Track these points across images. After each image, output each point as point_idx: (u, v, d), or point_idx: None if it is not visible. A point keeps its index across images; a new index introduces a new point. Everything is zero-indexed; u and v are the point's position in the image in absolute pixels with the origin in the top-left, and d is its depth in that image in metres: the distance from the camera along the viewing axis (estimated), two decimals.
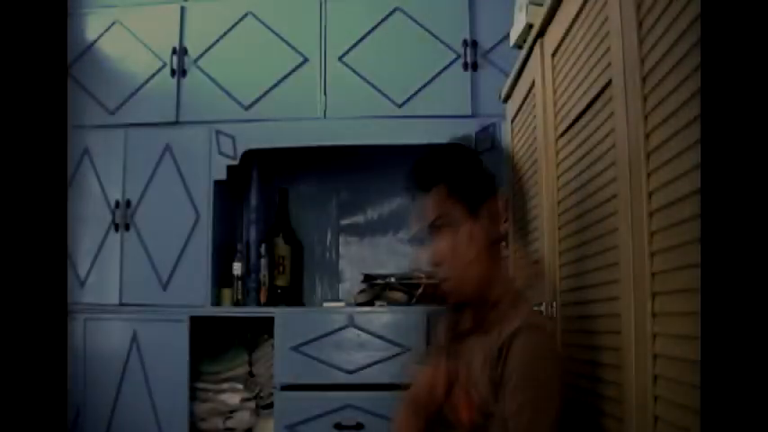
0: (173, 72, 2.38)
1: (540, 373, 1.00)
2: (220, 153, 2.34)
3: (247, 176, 2.47)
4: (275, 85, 2.36)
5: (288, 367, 2.22)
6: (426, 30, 2.33)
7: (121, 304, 2.33)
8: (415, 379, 1.27)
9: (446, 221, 1.18)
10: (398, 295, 2.37)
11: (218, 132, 2.35)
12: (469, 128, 2.28)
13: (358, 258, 2.66)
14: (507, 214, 1.23)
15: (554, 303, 1.19)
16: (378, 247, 2.66)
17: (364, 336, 2.21)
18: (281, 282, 2.50)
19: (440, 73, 2.31)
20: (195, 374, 2.31)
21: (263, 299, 2.41)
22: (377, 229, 2.68)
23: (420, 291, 2.35)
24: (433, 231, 1.21)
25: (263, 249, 2.44)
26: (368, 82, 2.34)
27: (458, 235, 1.16)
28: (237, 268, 2.40)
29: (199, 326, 2.32)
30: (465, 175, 1.22)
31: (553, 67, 1.21)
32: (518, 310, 1.11)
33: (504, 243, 1.23)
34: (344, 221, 2.69)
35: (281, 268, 2.50)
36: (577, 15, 1.05)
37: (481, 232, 1.17)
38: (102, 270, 2.36)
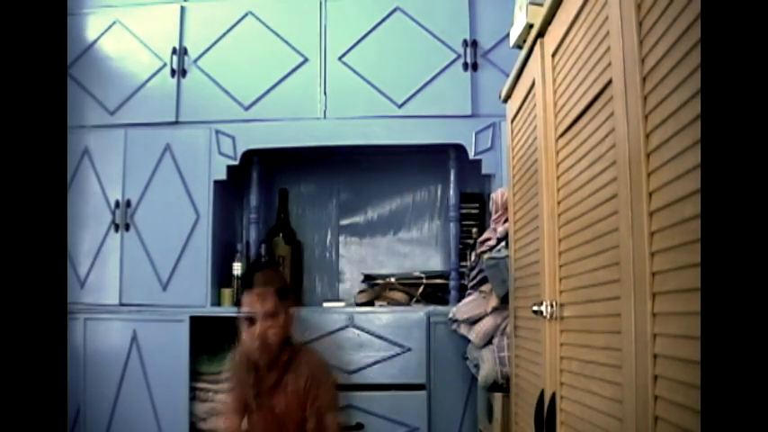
0: (173, 72, 2.38)
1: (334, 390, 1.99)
2: (220, 153, 2.34)
3: (247, 176, 2.48)
4: (275, 85, 2.36)
5: None
6: (426, 30, 2.34)
7: (121, 304, 2.33)
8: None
9: (275, 311, 1.90)
10: (398, 295, 2.37)
11: (218, 132, 2.35)
12: (469, 128, 2.28)
13: (358, 258, 2.66)
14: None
15: (554, 303, 1.19)
16: (378, 247, 2.67)
17: (364, 336, 2.21)
18: None
19: (440, 73, 2.32)
20: (195, 374, 2.31)
21: None
22: (377, 229, 2.68)
23: (420, 291, 2.36)
24: (265, 317, 1.89)
25: (263, 249, 2.44)
26: (368, 82, 2.34)
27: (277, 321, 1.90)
28: (237, 268, 2.40)
29: (199, 326, 2.32)
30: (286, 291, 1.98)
31: (553, 67, 1.21)
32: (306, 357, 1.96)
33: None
34: (344, 221, 2.70)
35: (280, 268, 2.51)
36: (577, 15, 1.05)
37: (289, 320, 1.95)
38: (102, 270, 2.36)
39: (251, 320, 1.89)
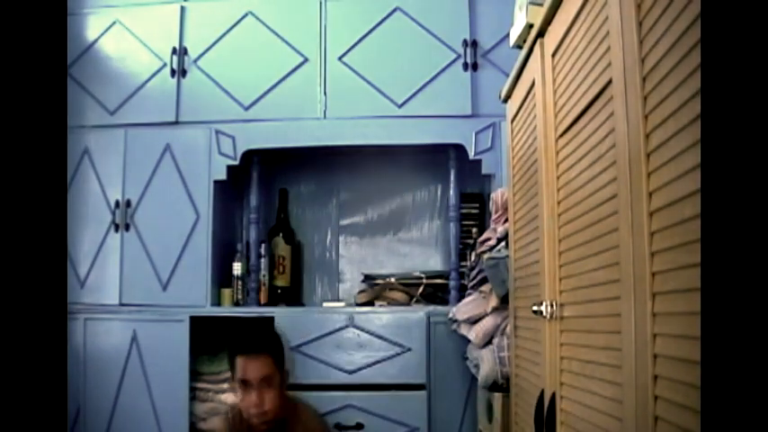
0: (173, 72, 2.38)
1: None
2: (220, 153, 2.34)
3: (247, 176, 2.48)
4: (275, 85, 2.36)
5: None
6: (426, 30, 2.33)
7: (121, 304, 2.33)
8: None
9: (271, 376, 1.82)
10: (398, 295, 2.37)
11: (218, 132, 2.35)
12: (469, 128, 2.28)
13: (358, 258, 2.66)
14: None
15: (554, 303, 1.19)
16: (378, 247, 2.66)
17: (364, 336, 2.21)
18: (281, 282, 2.50)
19: (440, 73, 2.32)
20: (195, 374, 2.31)
21: (263, 299, 2.41)
22: (377, 229, 2.68)
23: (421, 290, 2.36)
24: (261, 385, 1.81)
25: (263, 249, 2.44)
26: (368, 82, 2.34)
27: (275, 390, 1.83)
28: (237, 268, 2.40)
29: (199, 326, 2.32)
30: (281, 351, 1.93)
31: (553, 67, 1.21)
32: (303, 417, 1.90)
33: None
34: (344, 221, 2.70)
35: (281, 268, 2.51)
36: (577, 15, 1.05)
37: (285, 381, 1.90)
38: (102, 270, 2.36)
39: (246, 384, 1.82)
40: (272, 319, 2.21)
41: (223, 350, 2.42)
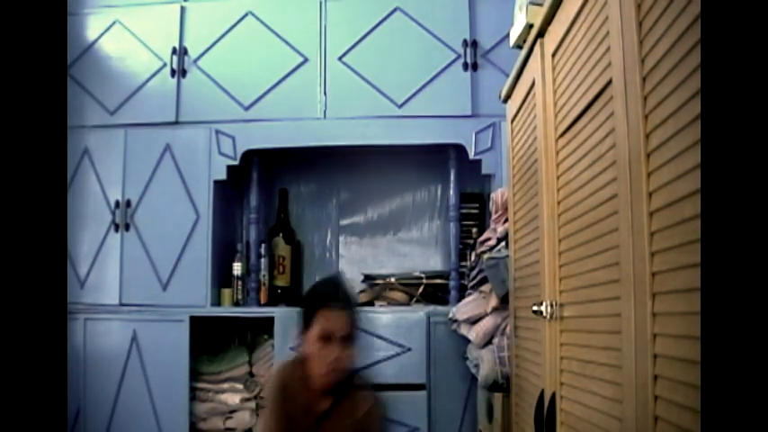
0: (173, 72, 2.38)
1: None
2: (220, 153, 2.34)
3: (247, 176, 2.48)
4: (275, 85, 2.37)
5: None
6: (426, 30, 2.33)
7: (121, 304, 2.33)
8: None
9: (352, 335, 1.72)
10: (398, 295, 2.37)
11: (218, 132, 2.35)
12: (469, 128, 2.28)
13: (358, 258, 2.66)
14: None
15: (554, 303, 1.19)
16: (378, 247, 2.66)
17: (364, 336, 2.21)
18: (281, 282, 2.50)
19: (440, 73, 2.32)
20: (195, 374, 2.31)
21: (263, 299, 2.41)
22: (377, 229, 2.68)
23: (420, 290, 2.36)
24: (343, 339, 1.69)
25: (263, 249, 2.44)
26: (368, 82, 2.34)
27: (352, 346, 1.73)
28: (237, 268, 2.40)
29: (199, 326, 2.32)
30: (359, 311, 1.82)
31: (553, 68, 1.21)
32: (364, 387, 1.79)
33: None
34: (344, 221, 2.70)
35: (281, 268, 2.51)
36: (577, 15, 1.05)
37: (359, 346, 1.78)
38: (102, 270, 2.36)
39: (327, 339, 1.70)
40: (347, 279, 2.05)
41: (223, 350, 2.43)
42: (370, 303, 2.35)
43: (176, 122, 2.38)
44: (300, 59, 2.37)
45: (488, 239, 1.87)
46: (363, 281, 2.51)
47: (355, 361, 1.76)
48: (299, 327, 1.76)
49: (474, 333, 1.82)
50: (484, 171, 2.29)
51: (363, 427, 1.73)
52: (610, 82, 0.90)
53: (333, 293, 1.77)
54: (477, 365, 1.83)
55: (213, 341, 2.44)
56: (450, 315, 2.00)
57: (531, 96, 1.40)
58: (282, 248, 2.52)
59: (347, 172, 2.67)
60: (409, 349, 2.20)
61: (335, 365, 1.69)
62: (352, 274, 2.64)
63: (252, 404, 2.32)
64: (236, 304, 2.38)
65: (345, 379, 1.73)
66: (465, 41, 2.30)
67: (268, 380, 1.91)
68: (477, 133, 2.28)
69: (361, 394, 1.77)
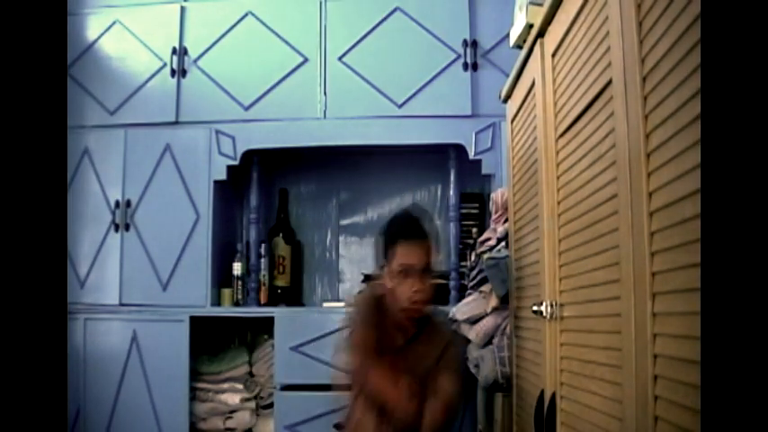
0: (173, 72, 2.38)
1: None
2: (220, 153, 2.34)
3: (247, 176, 2.48)
4: (275, 85, 2.36)
5: (288, 367, 2.22)
6: (426, 30, 2.33)
7: (121, 304, 2.33)
8: (377, 385, 1.67)
9: (431, 267, 1.72)
10: None
11: (218, 132, 2.35)
12: (469, 128, 2.28)
13: (358, 258, 2.66)
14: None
15: (554, 303, 1.19)
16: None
17: None
18: (281, 282, 2.50)
19: (440, 73, 2.32)
20: (195, 374, 2.31)
21: (263, 299, 2.41)
22: (377, 229, 2.67)
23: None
24: (422, 272, 1.69)
25: (263, 249, 2.44)
26: (368, 82, 2.34)
27: (430, 278, 1.73)
28: (237, 268, 2.40)
29: (199, 326, 2.32)
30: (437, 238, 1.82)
31: (553, 67, 1.21)
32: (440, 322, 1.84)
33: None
34: (344, 221, 2.69)
35: (281, 268, 2.51)
36: (577, 15, 1.05)
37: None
38: (102, 270, 2.36)
39: (407, 271, 1.68)
40: (425, 210, 2.07)
41: (223, 350, 2.42)
42: None
43: (176, 122, 2.38)
44: (300, 59, 2.37)
45: (488, 239, 1.87)
46: (363, 281, 2.50)
47: (433, 293, 1.74)
48: (376, 260, 1.81)
49: (474, 333, 1.82)
50: (484, 171, 2.29)
51: (443, 360, 1.72)
52: (610, 82, 0.90)
53: (410, 227, 1.75)
54: (477, 365, 1.82)
55: (213, 341, 2.44)
56: (451, 315, 2.00)
57: (531, 96, 1.40)
58: (282, 248, 2.52)
59: (347, 172, 2.67)
60: None
61: (418, 296, 1.68)
62: (352, 274, 2.64)
63: (252, 404, 2.32)
64: (236, 304, 2.38)
65: (425, 313, 1.75)
66: (465, 41, 2.30)
67: (353, 304, 1.86)
68: (477, 133, 2.28)
69: (439, 328, 1.81)
